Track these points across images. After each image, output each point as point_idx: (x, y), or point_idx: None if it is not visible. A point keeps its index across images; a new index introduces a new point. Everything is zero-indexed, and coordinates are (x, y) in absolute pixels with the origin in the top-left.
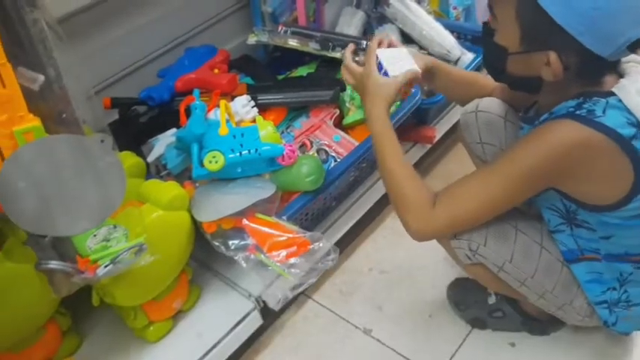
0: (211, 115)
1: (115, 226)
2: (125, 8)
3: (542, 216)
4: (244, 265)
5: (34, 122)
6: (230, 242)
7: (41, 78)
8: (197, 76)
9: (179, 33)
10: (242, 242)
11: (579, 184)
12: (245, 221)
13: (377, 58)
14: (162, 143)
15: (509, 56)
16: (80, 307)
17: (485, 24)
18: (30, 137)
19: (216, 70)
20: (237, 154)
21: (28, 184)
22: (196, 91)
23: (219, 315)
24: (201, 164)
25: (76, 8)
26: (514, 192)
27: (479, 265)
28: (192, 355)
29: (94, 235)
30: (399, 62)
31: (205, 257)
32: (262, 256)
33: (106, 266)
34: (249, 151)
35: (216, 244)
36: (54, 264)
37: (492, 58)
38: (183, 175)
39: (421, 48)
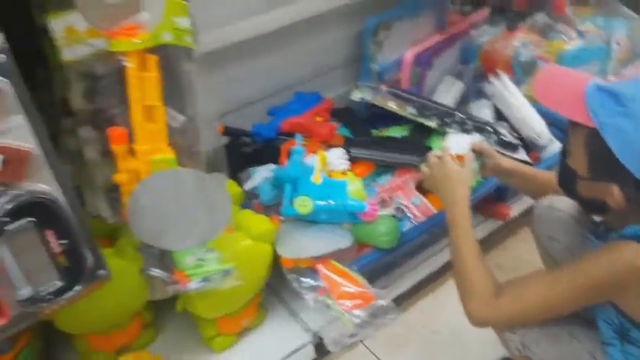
0: (308, 159)
1: (211, 250)
2: (253, 51)
3: (596, 325)
4: (312, 304)
5: (169, 154)
6: (303, 280)
7: (182, 118)
8: (301, 121)
9: (292, 77)
10: (314, 283)
11: (637, 305)
12: (320, 266)
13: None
14: (260, 176)
15: (578, 180)
16: (163, 307)
17: (562, 144)
18: (164, 166)
19: (318, 118)
20: (325, 203)
21: (153, 203)
22: (299, 137)
23: (278, 340)
24: (292, 204)
25: (214, 49)
26: (575, 300)
27: (527, 359)
28: None
29: (192, 254)
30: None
31: (276, 284)
32: (330, 300)
33: (197, 282)
34: (336, 202)
35: (291, 278)
36: (156, 272)
37: (564, 178)
38: (270, 208)
39: (512, 129)
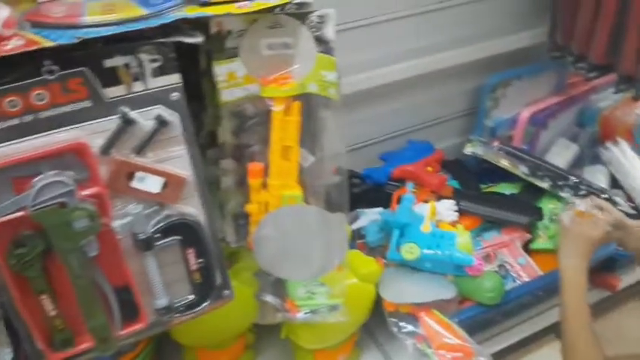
0: (417, 207)
1: (321, 284)
2: (373, 97)
3: None
4: (409, 350)
5: (297, 191)
6: (403, 325)
7: (312, 159)
8: (413, 169)
9: (404, 125)
10: (413, 330)
11: None
12: (422, 314)
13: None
14: (368, 218)
15: None
16: (264, 331)
17: None
18: (292, 201)
19: (429, 168)
20: (432, 252)
21: (277, 234)
22: (410, 185)
23: None
24: (398, 249)
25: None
26: None
27: None
28: None
29: (304, 286)
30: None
31: (374, 325)
32: (428, 349)
33: (305, 313)
34: (443, 253)
35: (391, 322)
36: (270, 298)
37: None
38: (374, 249)
39: (628, 198)
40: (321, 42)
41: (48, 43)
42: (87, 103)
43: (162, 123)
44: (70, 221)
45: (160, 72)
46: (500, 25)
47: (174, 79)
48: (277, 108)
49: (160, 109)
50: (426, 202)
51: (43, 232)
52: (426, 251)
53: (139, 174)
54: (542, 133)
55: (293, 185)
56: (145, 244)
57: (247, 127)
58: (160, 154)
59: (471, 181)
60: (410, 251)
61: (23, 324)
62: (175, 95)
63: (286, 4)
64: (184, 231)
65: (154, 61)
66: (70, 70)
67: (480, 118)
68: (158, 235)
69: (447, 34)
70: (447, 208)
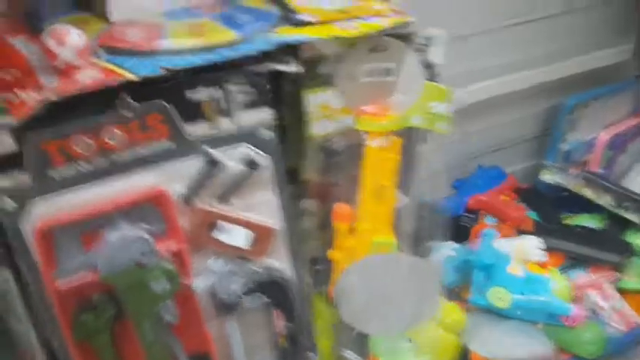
0: (496, 243)
1: (407, 339)
2: None
3: None
4: None
5: (390, 238)
6: None
7: (405, 199)
8: (488, 199)
9: (473, 150)
10: None
11: None
12: None
13: None
14: (442, 254)
15: None
16: None
17: None
18: (384, 249)
19: (504, 197)
20: (525, 298)
21: (364, 285)
22: (489, 218)
23: None
24: (482, 293)
25: None
26: None
27: None
28: None
29: (389, 341)
30: None
31: None
32: None
33: None
34: (538, 300)
35: None
36: (349, 354)
37: None
38: (450, 291)
39: None
40: (427, 68)
41: (129, 76)
42: (166, 144)
43: (252, 166)
44: (147, 283)
45: (250, 105)
46: (582, 42)
47: (266, 114)
48: (373, 143)
49: (248, 149)
50: (508, 238)
51: (113, 295)
52: (517, 297)
53: (222, 224)
54: (620, 157)
55: (386, 230)
56: (229, 307)
57: (334, 164)
58: (246, 200)
59: (550, 212)
60: (499, 297)
61: None
62: (267, 133)
63: (402, 24)
64: (271, 290)
65: (244, 93)
66: (148, 105)
67: (554, 141)
68: (242, 295)
69: (524, 53)
70: (533, 247)
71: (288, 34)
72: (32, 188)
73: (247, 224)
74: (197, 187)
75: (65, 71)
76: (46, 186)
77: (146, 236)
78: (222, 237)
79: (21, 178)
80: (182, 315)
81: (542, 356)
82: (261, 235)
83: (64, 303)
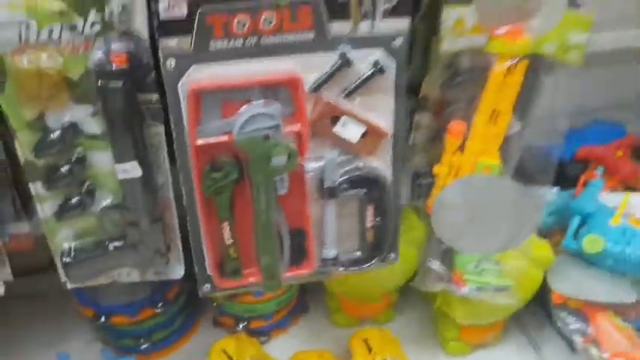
0: (601, 195)
1: (493, 261)
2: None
3: None
4: (575, 348)
5: (496, 160)
6: (570, 321)
7: (518, 126)
8: (601, 152)
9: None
10: (583, 328)
11: None
12: (600, 314)
13: None
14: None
15: None
16: (408, 292)
17: None
18: (487, 170)
19: (619, 153)
20: (620, 249)
21: (463, 203)
22: (600, 169)
23: None
24: (576, 238)
25: None
26: None
27: None
28: None
29: (476, 260)
30: None
31: (524, 312)
32: (597, 353)
33: (471, 288)
34: (633, 252)
35: (557, 315)
36: (436, 265)
37: None
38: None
39: None
40: None
41: None
42: (309, 35)
43: (379, 70)
44: (270, 155)
45: (391, 13)
46: None
47: (404, 23)
48: (500, 66)
49: (379, 54)
50: (612, 190)
51: (239, 161)
52: (611, 246)
53: (343, 119)
54: None
55: (493, 153)
56: (331, 192)
57: (455, 83)
58: (366, 102)
59: None
60: (593, 243)
61: (200, 247)
62: (399, 42)
63: None
64: (369, 186)
65: (388, 1)
66: None
67: None
68: (345, 185)
69: None
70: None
71: None
72: (192, 54)
73: (366, 123)
74: (328, 80)
75: None
76: (204, 54)
77: (276, 113)
78: (340, 130)
79: (185, 43)
80: (291, 192)
81: (626, 304)
82: (374, 136)
83: (199, 158)
